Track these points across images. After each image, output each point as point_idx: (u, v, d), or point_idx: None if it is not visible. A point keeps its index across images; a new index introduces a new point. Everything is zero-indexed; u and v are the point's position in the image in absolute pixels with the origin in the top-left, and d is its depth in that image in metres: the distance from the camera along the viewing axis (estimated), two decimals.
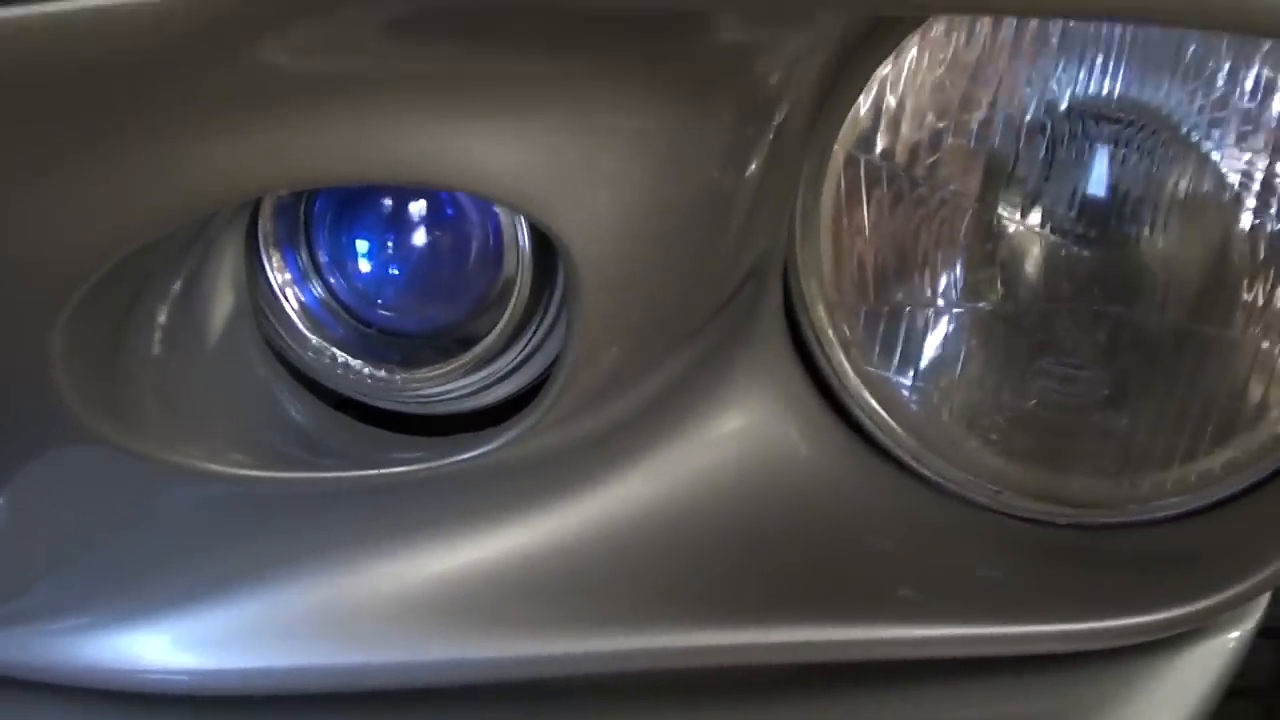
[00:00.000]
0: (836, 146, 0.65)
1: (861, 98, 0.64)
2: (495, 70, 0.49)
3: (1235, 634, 0.72)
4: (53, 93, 0.43)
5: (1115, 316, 0.66)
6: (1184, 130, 0.64)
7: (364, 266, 0.58)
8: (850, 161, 0.65)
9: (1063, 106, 0.64)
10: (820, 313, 0.68)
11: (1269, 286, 0.65)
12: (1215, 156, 0.64)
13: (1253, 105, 0.63)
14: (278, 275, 0.59)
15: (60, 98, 0.43)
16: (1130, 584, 0.68)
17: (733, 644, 0.65)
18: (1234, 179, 0.64)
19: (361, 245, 0.57)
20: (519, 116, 0.50)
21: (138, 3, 0.41)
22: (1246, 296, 0.65)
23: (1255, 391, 0.67)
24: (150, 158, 0.45)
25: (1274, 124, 0.64)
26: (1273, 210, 0.64)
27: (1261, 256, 0.65)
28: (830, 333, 0.68)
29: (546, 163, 0.52)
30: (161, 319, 0.54)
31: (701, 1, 0.48)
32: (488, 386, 0.61)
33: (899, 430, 0.69)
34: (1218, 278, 0.65)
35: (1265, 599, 0.72)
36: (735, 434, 0.68)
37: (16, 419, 0.53)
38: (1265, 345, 0.66)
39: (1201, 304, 0.66)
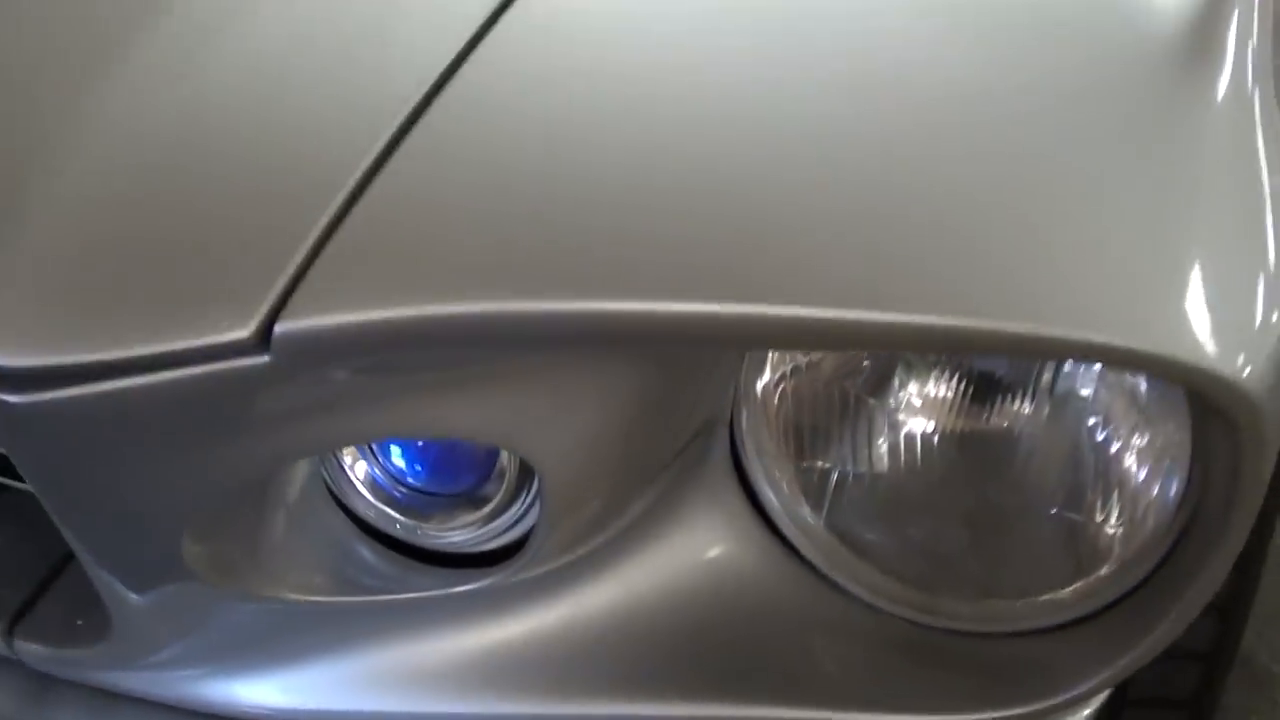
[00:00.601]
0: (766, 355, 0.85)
1: None
2: (470, 368, 0.71)
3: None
4: (191, 412, 0.67)
5: (977, 492, 0.87)
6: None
7: (399, 461, 0.81)
8: (777, 364, 0.86)
9: None
10: (757, 463, 0.89)
11: (1106, 482, 0.84)
12: (1068, 382, 0.83)
13: None
14: (347, 455, 0.83)
15: (198, 416, 0.67)
16: (986, 684, 0.89)
17: (679, 714, 0.89)
18: (1081, 399, 0.84)
19: (396, 448, 0.81)
20: (493, 389, 0.72)
21: (238, 366, 0.65)
22: (1089, 490, 0.85)
23: (1090, 550, 0.87)
24: (245, 441, 0.69)
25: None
26: (1111, 427, 0.84)
27: (1101, 464, 0.84)
28: (764, 479, 0.89)
29: (516, 415, 0.74)
30: (260, 499, 0.78)
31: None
32: (498, 535, 0.84)
33: (815, 552, 0.90)
34: (1067, 472, 0.85)
35: (1102, 697, 0.93)
36: (690, 550, 0.89)
37: (150, 571, 0.78)
38: (1101, 523, 0.85)
39: (1048, 490, 0.86)
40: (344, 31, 0.77)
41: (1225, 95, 0.82)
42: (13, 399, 0.65)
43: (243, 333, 0.64)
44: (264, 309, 0.64)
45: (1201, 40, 0.84)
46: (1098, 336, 0.68)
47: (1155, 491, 0.80)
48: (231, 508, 0.74)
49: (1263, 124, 0.82)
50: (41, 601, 0.93)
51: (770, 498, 0.88)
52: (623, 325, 0.66)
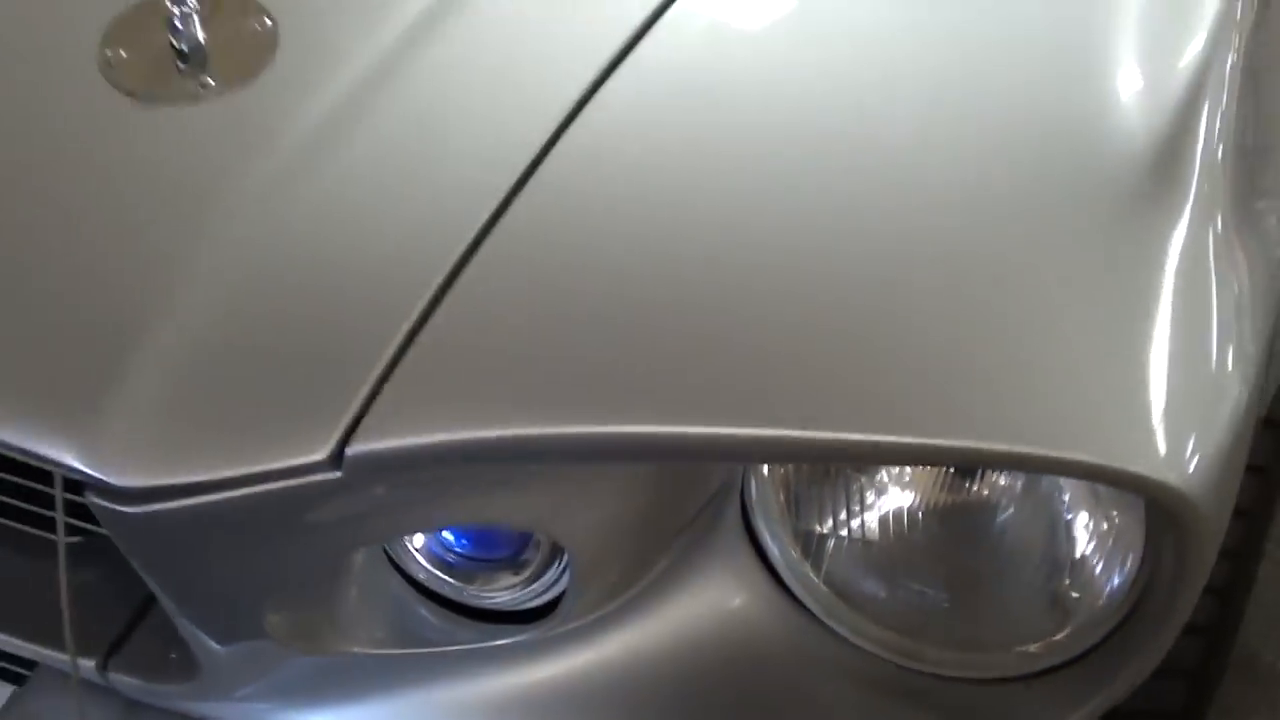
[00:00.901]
0: None
1: None
2: (508, 472, 0.83)
3: None
4: (273, 517, 0.79)
5: (957, 559, 0.98)
6: None
7: (448, 535, 0.93)
8: None
9: None
10: (765, 526, 1.00)
11: (1071, 555, 0.95)
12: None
13: None
14: None
15: (279, 520, 0.79)
16: None
17: None
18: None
19: None
20: (527, 485, 0.85)
21: (314, 481, 0.77)
22: (1056, 560, 0.95)
23: (1057, 613, 0.98)
24: (319, 537, 0.81)
25: None
26: (1075, 510, 0.95)
27: (1068, 538, 0.95)
28: (771, 539, 1.01)
29: (547, 505, 0.86)
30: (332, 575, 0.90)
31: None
32: (535, 596, 0.96)
33: (815, 602, 1.02)
34: (1038, 543, 0.96)
35: None
36: (707, 601, 1.01)
37: (236, 633, 0.90)
38: (1066, 589, 0.97)
39: (1020, 559, 0.97)
40: (411, 165, 0.89)
41: (1185, 217, 0.92)
42: (129, 510, 0.77)
43: (319, 455, 0.76)
44: (337, 434, 0.76)
45: (1164, 165, 0.94)
46: (1059, 452, 0.79)
47: (1111, 569, 0.91)
48: (306, 585, 0.86)
49: (1215, 245, 0.93)
50: (133, 636, 1.05)
51: (776, 555, 1.00)
52: (652, 445, 0.78)
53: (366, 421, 0.77)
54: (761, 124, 0.94)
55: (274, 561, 0.82)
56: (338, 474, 0.77)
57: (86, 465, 0.77)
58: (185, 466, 0.76)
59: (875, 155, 0.93)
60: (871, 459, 0.85)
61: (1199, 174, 0.95)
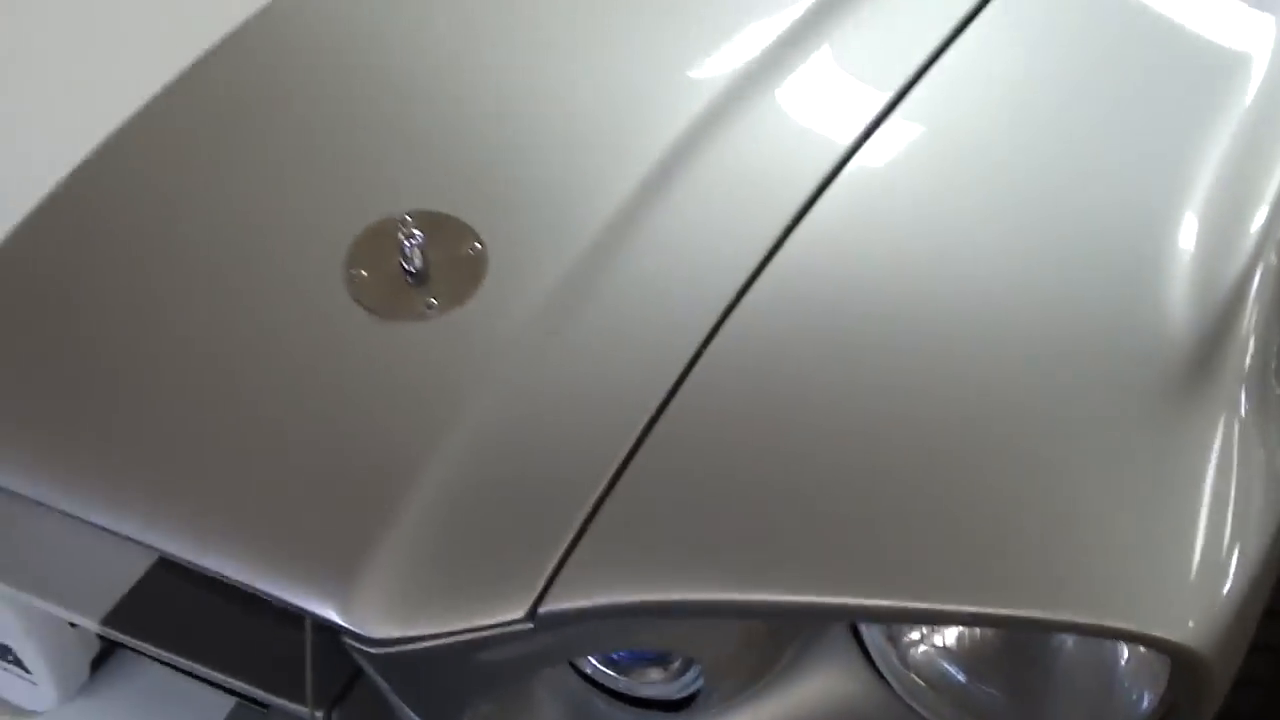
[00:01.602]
0: None
1: None
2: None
3: None
4: (476, 653, 1.04)
5: (1009, 669, 1.20)
6: None
7: None
8: None
9: None
10: (866, 631, 1.23)
11: (1108, 679, 1.16)
12: None
13: None
14: None
15: (480, 654, 1.04)
16: None
17: None
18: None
19: None
20: (676, 623, 1.08)
21: (507, 632, 1.02)
22: (1097, 680, 1.17)
23: (1104, 716, 1.19)
24: (510, 663, 1.06)
25: None
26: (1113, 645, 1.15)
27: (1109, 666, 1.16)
28: (871, 641, 1.24)
29: (687, 633, 1.10)
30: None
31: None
32: (681, 689, 1.20)
33: (905, 691, 1.24)
34: (1084, 665, 1.18)
35: None
36: (818, 690, 1.22)
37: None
38: (1107, 700, 1.18)
39: (1067, 675, 1.18)
40: (597, 369, 1.12)
41: (1216, 406, 1.12)
42: (374, 650, 1.03)
43: (516, 614, 1.01)
44: (532, 597, 1.01)
45: (1203, 355, 1.14)
46: (1095, 619, 1.01)
47: (1143, 689, 1.13)
48: (501, 688, 1.12)
49: (1238, 429, 1.12)
50: (354, 690, 1.31)
51: (875, 651, 1.23)
52: (782, 608, 1.02)
53: (555, 586, 1.01)
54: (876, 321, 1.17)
55: (475, 680, 1.08)
56: (530, 626, 1.01)
57: (343, 620, 1.02)
58: (417, 623, 1.01)
59: (946, 344, 1.15)
60: (936, 621, 1.08)
61: (1233, 366, 1.15)
